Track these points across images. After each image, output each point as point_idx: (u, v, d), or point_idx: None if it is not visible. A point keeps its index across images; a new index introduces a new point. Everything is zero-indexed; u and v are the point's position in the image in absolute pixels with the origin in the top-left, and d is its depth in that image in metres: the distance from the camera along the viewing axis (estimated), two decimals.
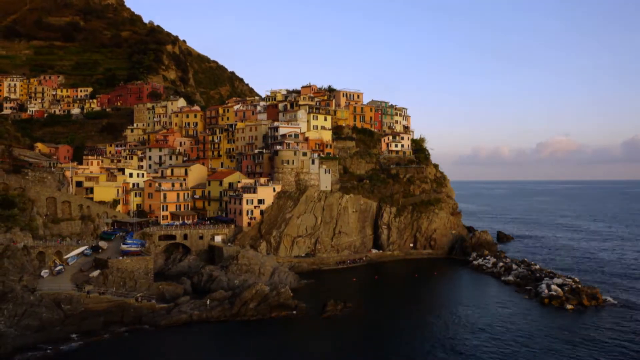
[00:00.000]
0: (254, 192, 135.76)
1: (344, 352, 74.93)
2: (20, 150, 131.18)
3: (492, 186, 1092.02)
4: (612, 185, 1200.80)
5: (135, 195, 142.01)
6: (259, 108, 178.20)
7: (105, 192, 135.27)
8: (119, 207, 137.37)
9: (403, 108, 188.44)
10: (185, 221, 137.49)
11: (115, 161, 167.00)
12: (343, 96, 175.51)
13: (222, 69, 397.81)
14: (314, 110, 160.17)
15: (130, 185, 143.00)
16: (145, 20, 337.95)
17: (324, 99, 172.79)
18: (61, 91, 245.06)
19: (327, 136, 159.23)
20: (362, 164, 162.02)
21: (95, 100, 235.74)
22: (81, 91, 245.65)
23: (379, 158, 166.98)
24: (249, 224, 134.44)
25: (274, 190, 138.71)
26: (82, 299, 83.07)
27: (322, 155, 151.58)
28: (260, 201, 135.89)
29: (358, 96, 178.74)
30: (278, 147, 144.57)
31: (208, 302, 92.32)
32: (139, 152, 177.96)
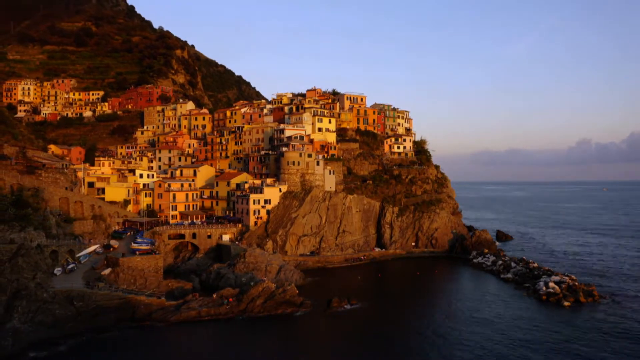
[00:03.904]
0: (261, 192, 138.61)
1: (348, 347, 76.62)
2: (34, 151, 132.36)
3: (505, 188, 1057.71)
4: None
5: (146, 196, 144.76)
6: (265, 111, 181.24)
7: (116, 192, 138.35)
8: (130, 207, 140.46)
9: (405, 111, 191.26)
10: (194, 220, 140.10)
11: (126, 162, 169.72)
12: (347, 99, 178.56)
13: (229, 73, 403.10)
14: (319, 113, 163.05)
15: (141, 186, 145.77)
16: (155, 26, 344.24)
17: (329, 102, 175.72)
18: (74, 94, 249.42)
19: (332, 138, 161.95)
20: (366, 165, 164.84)
21: (106, 103, 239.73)
22: (93, 94, 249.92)
23: (381, 159, 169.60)
24: (255, 223, 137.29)
25: (280, 190, 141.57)
26: (94, 296, 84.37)
27: (326, 156, 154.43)
28: (267, 201, 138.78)
29: (361, 99, 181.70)
30: (284, 149, 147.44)
31: (226, 300, 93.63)
32: (149, 154, 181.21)
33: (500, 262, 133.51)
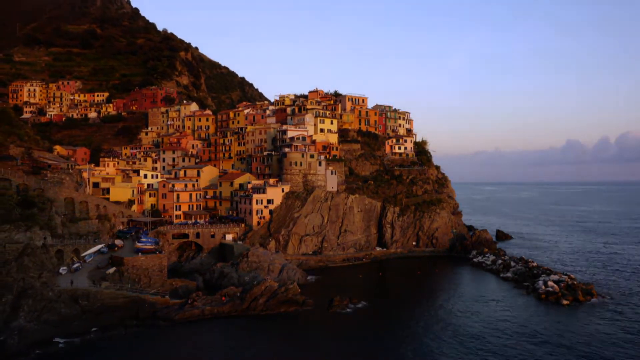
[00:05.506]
0: (264, 192, 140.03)
1: (349, 345, 77.32)
2: (40, 152, 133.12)
3: (508, 188, 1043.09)
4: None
5: (150, 196, 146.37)
6: (268, 112, 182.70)
7: (120, 192, 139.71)
8: (134, 207, 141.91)
9: (406, 112, 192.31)
10: (198, 220, 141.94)
11: (130, 163, 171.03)
12: (349, 100, 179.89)
13: (232, 74, 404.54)
14: (321, 114, 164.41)
15: (145, 186, 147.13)
16: (159, 28, 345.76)
17: (331, 103, 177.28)
18: (79, 96, 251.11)
19: (334, 139, 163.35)
20: (367, 166, 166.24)
21: (111, 105, 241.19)
22: (98, 96, 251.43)
23: (383, 160, 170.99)
24: (258, 223, 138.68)
25: (283, 190, 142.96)
26: (99, 295, 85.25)
27: (328, 157, 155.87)
28: (270, 201, 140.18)
29: (363, 100, 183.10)
30: (286, 150, 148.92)
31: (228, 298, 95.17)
32: (153, 155, 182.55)
33: (500, 261, 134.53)
